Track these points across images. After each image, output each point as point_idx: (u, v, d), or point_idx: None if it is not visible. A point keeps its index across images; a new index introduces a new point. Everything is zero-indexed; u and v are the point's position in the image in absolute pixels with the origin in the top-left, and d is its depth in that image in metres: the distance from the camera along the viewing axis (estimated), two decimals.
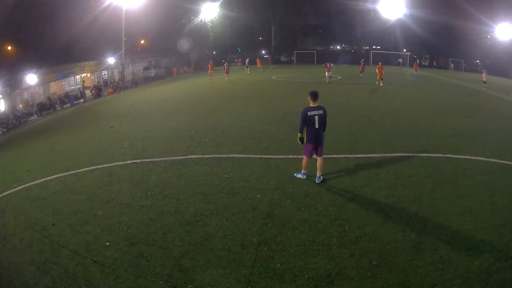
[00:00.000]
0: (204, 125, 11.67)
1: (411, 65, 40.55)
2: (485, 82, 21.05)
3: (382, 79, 21.47)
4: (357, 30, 49.89)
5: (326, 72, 22.99)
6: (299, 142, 6.45)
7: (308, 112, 6.20)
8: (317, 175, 6.46)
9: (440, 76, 29.31)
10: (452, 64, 39.03)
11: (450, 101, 16.01)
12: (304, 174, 6.61)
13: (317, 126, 6.20)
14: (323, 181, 6.43)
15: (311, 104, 6.30)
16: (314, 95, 6.34)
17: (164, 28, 34.68)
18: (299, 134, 6.40)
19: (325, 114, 6.30)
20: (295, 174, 6.74)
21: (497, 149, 8.12)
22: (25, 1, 22.48)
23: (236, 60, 49.20)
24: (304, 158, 6.50)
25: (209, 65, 29.74)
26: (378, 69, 21.71)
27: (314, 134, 6.23)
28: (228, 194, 6.14)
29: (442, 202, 5.56)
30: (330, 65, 23.10)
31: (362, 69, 27.65)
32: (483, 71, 21.92)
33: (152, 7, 30.30)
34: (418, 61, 39.34)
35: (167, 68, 40.27)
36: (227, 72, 28.83)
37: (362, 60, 30.24)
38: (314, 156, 6.47)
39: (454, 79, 26.91)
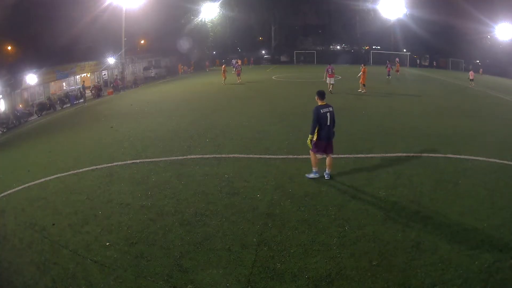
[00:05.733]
0: (204, 125, 11.66)
1: (412, 65, 40.57)
2: (472, 80, 21.89)
3: (364, 85, 17.74)
4: (357, 30, 49.90)
5: (328, 78, 17.80)
6: (310, 145, 6.44)
7: (321, 110, 6.32)
8: (327, 171, 6.57)
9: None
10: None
11: (450, 100, 16.01)
12: (316, 172, 6.62)
13: (328, 123, 6.33)
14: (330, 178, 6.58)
15: (320, 103, 6.46)
16: (322, 94, 6.55)
17: (164, 28, 34.68)
18: (310, 136, 6.38)
19: (333, 111, 6.49)
20: (306, 175, 6.69)
21: (497, 149, 8.12)
22: (25, 1, 22.48)
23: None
24: (313, 155, 6.53)
25: (223, 68, 25.68)
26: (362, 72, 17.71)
27: (327, 131, 6.34)
28: (228, 194, 6.14)
29: (442, 202, 5.55)
30: (332, 70, 17.88)
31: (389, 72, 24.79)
32: (471, 68, 23.04)
33: (152, 7, 30.33)
34: (397, 59, 33.47)
35: (167, 68, 40.28)
36: (238, 74, 25.39)
37: (397, 59, 27.11)
38: (319, 156, 6.57)
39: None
